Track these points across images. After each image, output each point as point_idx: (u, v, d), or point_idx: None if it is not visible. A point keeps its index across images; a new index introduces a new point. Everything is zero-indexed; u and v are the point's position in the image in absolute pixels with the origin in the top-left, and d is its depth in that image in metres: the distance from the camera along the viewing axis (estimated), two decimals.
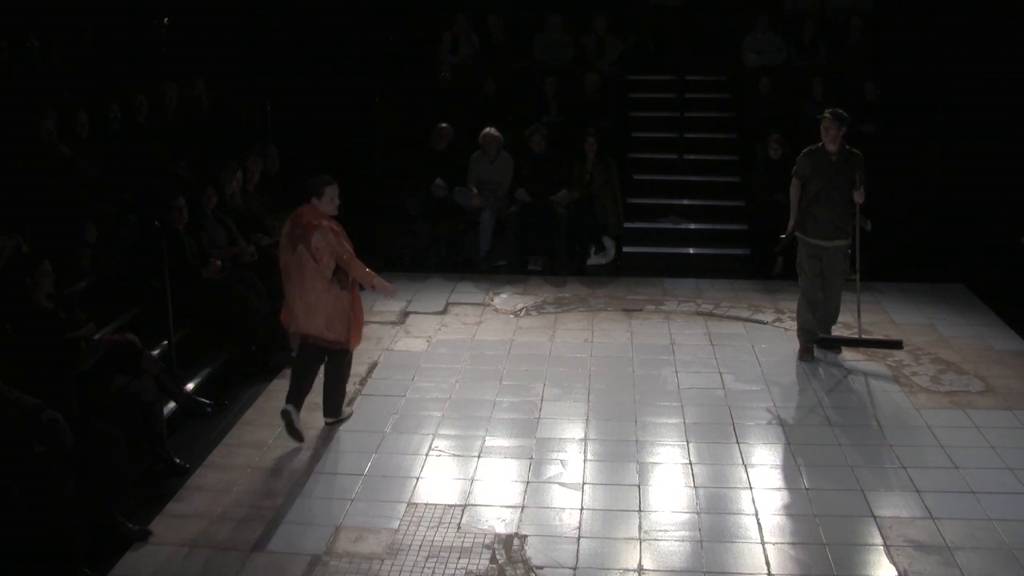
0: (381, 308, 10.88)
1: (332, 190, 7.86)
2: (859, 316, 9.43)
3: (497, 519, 6.66)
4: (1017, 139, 12.69)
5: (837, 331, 9.67)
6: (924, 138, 13.00)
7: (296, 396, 7.87)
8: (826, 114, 9.13)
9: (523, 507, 6.82)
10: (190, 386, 8.44)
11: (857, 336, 9.50)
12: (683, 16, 15.96)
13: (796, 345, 9.70)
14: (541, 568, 6.10)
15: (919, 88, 13.55)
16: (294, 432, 7.68)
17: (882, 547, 6.32)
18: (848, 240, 9.21)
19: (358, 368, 9.17)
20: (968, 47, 13.72)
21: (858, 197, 9.03)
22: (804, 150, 9.36)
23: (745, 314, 10.81)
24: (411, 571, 6.07)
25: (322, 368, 8.10)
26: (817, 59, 14.65)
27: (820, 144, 9.18)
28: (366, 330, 10.07)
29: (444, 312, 10.83)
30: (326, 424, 8.11)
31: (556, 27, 15.07)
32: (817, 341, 9.51)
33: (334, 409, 8.14)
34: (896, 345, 9.41)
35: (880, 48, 14.40)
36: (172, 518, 6.65)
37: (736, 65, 15.04)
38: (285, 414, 7.71)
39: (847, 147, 9.14)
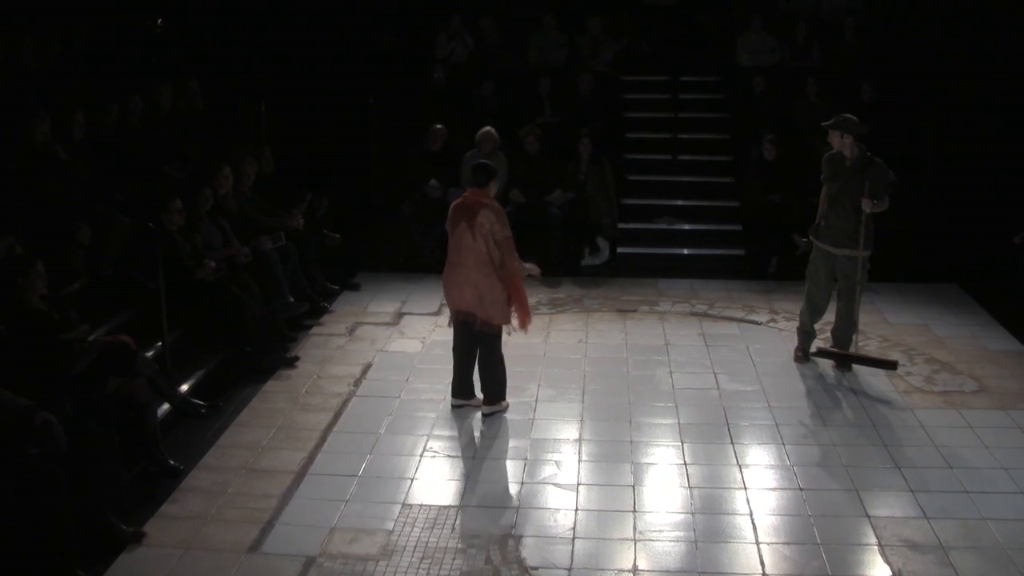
0: (376, 309, 10.90)
1: (495, 182, 8.27)
2: (857, 330, 9.26)
3: (492, 520, 6.66)
4: (1011, 139, 12.72)
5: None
6: (918, 138, 13.01)
7: (461, 386, 8.44)
8: (827, 124, 9.00)
9: (518, 508, 6.82)
10: (184, 387, 8.43)
11: (854, 351, 9.25)
12: (677, 17, 15.97)
13: (791, 345, 9.72)
14: (536, 569, 6.10)
15: (913, 88, 13.56)
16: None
17: (876, 547, 6.33)
18: (858, 251, 8.90)
19: (351, 369, 9.20)
20: (961, 47, 13.75)
21: (865, 206, 8.73)
22: (826, 154, 9.25)
23: (739, 315, 10.82)
24: (406, 572, 6.07)
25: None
26: (811, 60, 14.67)
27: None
28: (360, 331, 10.14)
29: (438, 313, 10.82)
30: (483, 416, 8.29)
31: (550, 28, 15.10)
32: (815, 352, 9.44)
33: (493, 398, 8.34)
34: (891, 365, 9.07)
35: (873, 48, 14.41)
36: (166, 520, 6.64)
37: (730, 66, 15.06)
38: (458, 407, 8.42)
39: (868, 154, 8.90)
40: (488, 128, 12.43)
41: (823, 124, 9.12)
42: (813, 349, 9.48)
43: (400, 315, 10.74)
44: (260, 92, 13.06)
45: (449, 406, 8.45)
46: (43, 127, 9.31)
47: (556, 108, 14.19)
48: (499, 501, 6.93)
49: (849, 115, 8.96)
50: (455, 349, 8.41)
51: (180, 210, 9.04)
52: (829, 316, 9.43)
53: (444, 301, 8.43)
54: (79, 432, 6.17)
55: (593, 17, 15.10)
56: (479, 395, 8.40)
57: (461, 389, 8.42)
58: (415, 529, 6.53)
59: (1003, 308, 10.80)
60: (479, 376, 8.35)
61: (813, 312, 9.36)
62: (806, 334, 9.49)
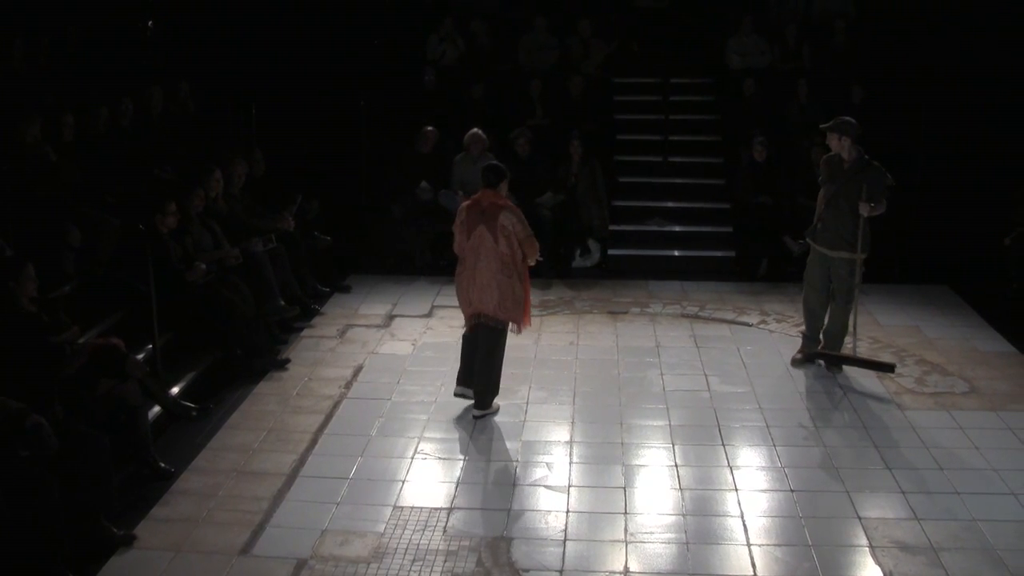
0: (366, 311, 10.89)
1: (506, 182, 8.28)
2: (855, 333, 9.22)
3: (483, 522, 6.66)
4: (1002, 140, 12.74)
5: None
6: (908, 140, 13.03)
7: (468, 377, 8.40)
8: (825, 126, 8.98)
9: (509, 510, 6.81)
10: (175, 390, 8.41)
11: (852, 353, 9.21)
12: (667, 19, 16.00)
13: (782, 347, 9.77)
14: (527, 571, 6.10)
15: (903, 90, 13.58)
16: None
17: (867, 548, 6.33)
18: (855, 253, 8.90)
19: (342, 371, 9.20)
20: (951, 48, 13.77)
21: (862, 210, 8.71)
22: (824, 156, 9.26)
23: (730, 316, 10.83)
24: (397, 574, 6.06)
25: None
26: (801, 61, 14.69)
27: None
28: (351, 333, 10.14)
29: (429, 315, 10.83)
30: (474, 418, 8.24)
31: (541, 30, 15.09)
32: (813, 356, 9.41)
33: (485, 401, 8.31)
34: (889, 368, 9.06)
35: (864, 50, 14.44)
36: (157, 522, 6.62)
37: (720, 67, 15.07)
38: (460, 395, 8.42)
39: (865, 157, 8.87)
40: (476, 130, 12.43)
41: (821, 126, 9.13)
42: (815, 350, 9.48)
43: (391, 317, 10.74)
44: (250, 94, 13.04)
45: (440, 408, 8.45)
46: (33, 129, 9.30)
47: (547, 110, 14.19)
48: (490, 503, 6.93)
49: (848, 117, 8.94)
50: (467, 339, 8.45)
51: (175, 212, 9.02)
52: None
53: (460, 306, 8.41)
54: (69, 435, 6.15)
55: (583, 19, 15.12)
56: None
57: (468, 377, 8.42)
58: (406, 531, 6.53)
59: (994, 309, 10.85)
60: (476, 374, 8.33)
61: (810, 316, 9.35)
62: (807, 338, 9.46)
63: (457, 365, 8.78)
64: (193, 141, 11.62)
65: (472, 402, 8.33)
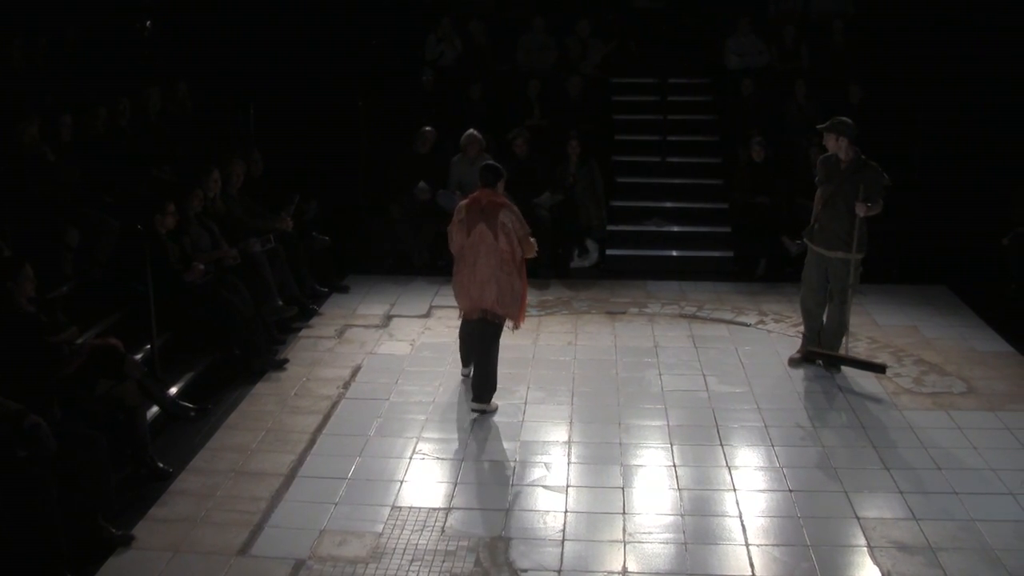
0: (365, 311, 10.88)
1: (503, 181, 8.38)
2: (847, 332, 9.22)
3: (481, 522, 6.66)
4: (1000, 140, 12.75)
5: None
6: (906, 140, 13.04)
7: (471, 358, 8.75)
8: (822, 127, 8.98)
9: (507, 510, 6.81)
10: (173, 390, 8.41)
11: (844, 353, 9.22)
12: (666, 19, 15.99)
13: (780, 347, 9.78)
14: (525, 571, 6.10)
15: (901, 90, 13.58)
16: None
17: (866, 548, 6.34)
18: (851, 254, 8.87)
19: (341, 371, 9.19)
20: (950, 48, 13.77)
21: (859, 209, 8.71)
22: (820, 156, 9.27)
23: (728, 316, 10.83)
24: (395, 575, 6.06)
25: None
26: (799, 61, 14.69)
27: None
28: (349, 333, 10.13)
29: (427, 315, 10.82)
30: (471, 411, 8.33)
31: (539, 30, 15.10)
32: (811, 355, 9.40)
33: (484, 396, 8.38)
34: (880, 368, 9.04)
35: (862, 50, 14.44)
36: (155, 523, 6.62)
37: (719, 68, 15.07)
38: (468, 375, 8.83)
39: (863, 157, 8.85)
40: (472, 131, 12.42)
41: (818, 127, 9.12)
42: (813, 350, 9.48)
43: (389, 317, 10.74)
44: (249, 94, 13.03)
45: (438, 409, 8.47)
46: (31, 129, 9.29)
47: (545, 110, 14.19)
48: (488, 503, 6.93)
49: (845, 118, 8.94)
50: (464, 325, 8.67)
51: (174, 212, 9.02)
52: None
53: (459, 304, 8.54)
54: (68, 435, 6.15)
55: (582, 19, 15.12)
56: None
57: (471, 359, 8.63)
58: (404, 531, 6.53)
59: (992, 309, 10.84)
60: (474, 368, 8.42)
61: (808, 316, 9.34)
62: (806, 338, 9.47)
63: (454, 366, 8.82)
64: (191, 141, 11.62)
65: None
